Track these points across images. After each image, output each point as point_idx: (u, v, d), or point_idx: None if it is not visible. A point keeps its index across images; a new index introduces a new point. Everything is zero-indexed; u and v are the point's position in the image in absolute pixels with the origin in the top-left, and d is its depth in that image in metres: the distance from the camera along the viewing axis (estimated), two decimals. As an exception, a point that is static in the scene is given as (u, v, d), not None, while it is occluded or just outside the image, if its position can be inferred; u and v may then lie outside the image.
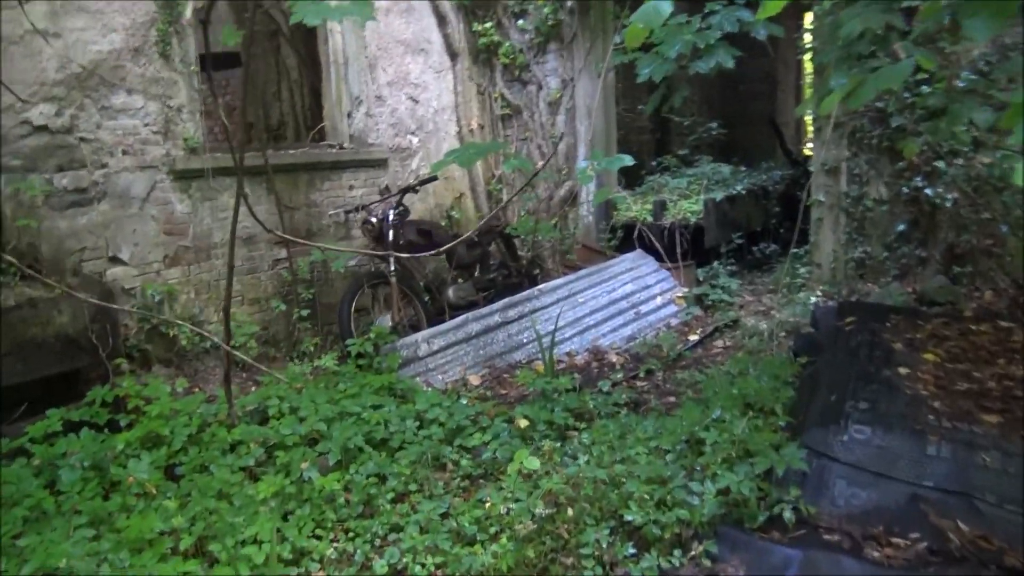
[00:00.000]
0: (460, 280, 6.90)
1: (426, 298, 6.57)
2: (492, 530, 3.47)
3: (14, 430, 4.21)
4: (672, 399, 5.38)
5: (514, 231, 7.23)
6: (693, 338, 6.40)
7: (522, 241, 7.86)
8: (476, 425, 4.64)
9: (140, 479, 3.74)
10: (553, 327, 6.34)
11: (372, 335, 5.74)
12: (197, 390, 5.28)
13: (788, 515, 3.08)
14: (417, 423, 4.60)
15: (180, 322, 5.19)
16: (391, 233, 6.19)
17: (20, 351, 4.32)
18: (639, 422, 4.58)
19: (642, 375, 5.79)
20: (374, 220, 6.19)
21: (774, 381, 4.60)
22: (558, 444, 4.47)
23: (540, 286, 6.66)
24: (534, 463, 3.78)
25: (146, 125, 5.34)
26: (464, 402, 4.95)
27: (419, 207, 7.52)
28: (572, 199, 7.87)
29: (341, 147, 6.81)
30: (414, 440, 4.43)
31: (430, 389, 5.55)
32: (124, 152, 5.22)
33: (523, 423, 4.69)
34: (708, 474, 3.41)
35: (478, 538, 3.44)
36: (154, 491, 3.74)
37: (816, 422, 3.60)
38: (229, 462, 4.08)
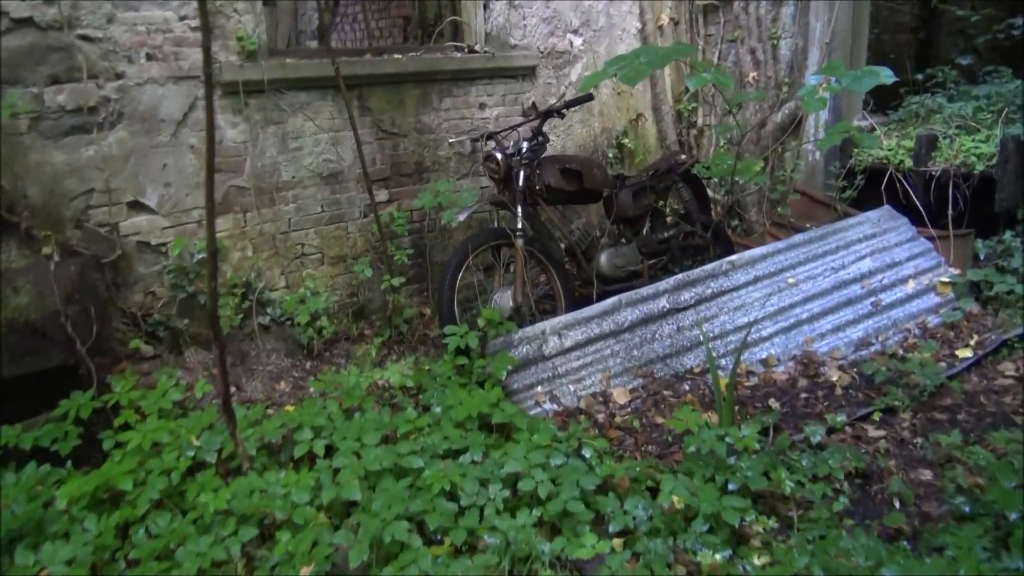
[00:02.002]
0: (621, 241, 5.08)
1: (568, 266, 4.83)
2: None
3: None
4: (927, 475, 3.38)
5: (705, 172, 5.23)
6: (965, 356, 4.23)
7: (716, 186, 5.84)
8: (597, 503, 2.99)
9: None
10: (747, 320, 4.46)
11: (481, 321, 4.14)
12: (235, 390, 3.97)
13: None
14: (505, 492, 3.01)
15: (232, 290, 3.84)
16: (521, 175, 4.47)
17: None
18: (866, 544, 2.72)
19: (877, 416, 3.79)
20: (499, 156, 4.49)
21: None
22: (726, 557, 2.76)
23: (733, 256, 4.70)
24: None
25: (182, 18, 3.91)
26: (587, 456, 3.27)
27: (578, 132, 5.70)
28: (793, 128, 5.70)
29: (470, 50, 5.09)
30: (492, 528, 2.84)
31: (548, 415, 3.91)
32: (149, 57, 3.84)
33: (675, 501, 2.99)
34: None
35: None
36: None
37: None
38: (202, 548, 2.70)
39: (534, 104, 5.39)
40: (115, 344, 3.87)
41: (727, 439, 3.31)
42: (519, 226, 4.44)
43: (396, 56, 4.68)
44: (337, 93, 4.39)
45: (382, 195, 4.79)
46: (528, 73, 5.35)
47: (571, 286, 4.73)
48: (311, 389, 3.81)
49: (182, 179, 4.01)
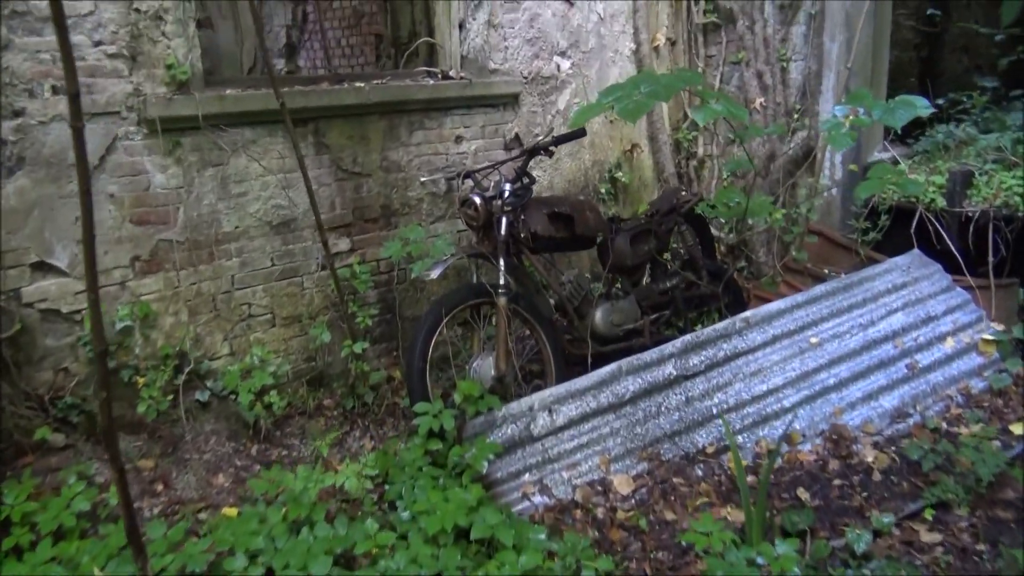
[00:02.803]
0: (618, 293, 4.48)
1: (558, 324, 4.23)
2: None
3: None
4: (1002, 601, 2.81)
5: (710, 211, 4.65)
6: (1020, 433, 3.67)
7: (718, 223, 5.28)
8: None
9: None
10: (766, 387, 3.90)
11: (458, 397, 3.54)
12: (161, 488, 3.33)
13: None
14: (486, 640, 2.40)
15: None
16: (504, 222, 3.87)
17: None
18: None
19: (929, 516, 3.22)
20: (478, 200, 3.88)
21: None
22: None
23: (747, 313, 4.12)
24: None
25: (97, 44, 3.30)
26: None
27: (567, 167, 5.12)
28: (807, 160, 5.14)
29: (444, 75, 4.50)
30: None
31: (538, 512, 3.32)
32: (55, 90, 3.21)
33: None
34: None
35: None
36: None
37: None
38: None
39: (517, 136, 4.82)
40: (16, 435, 3.22)
41: (758, 559, 2.72)
42: (502, 281, 3.84)
43: (358, 84, 4.08)
44: (295, 127, 3.79)
45: (343, 244, 4.17)
46: (510, 101, 4.76)
47: (562, 347, 4.13)
48: (252, 489, 3.17)
49: (99, 234, 3.37)
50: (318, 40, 8.89)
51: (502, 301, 3.83)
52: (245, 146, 3.75)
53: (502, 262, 3.86)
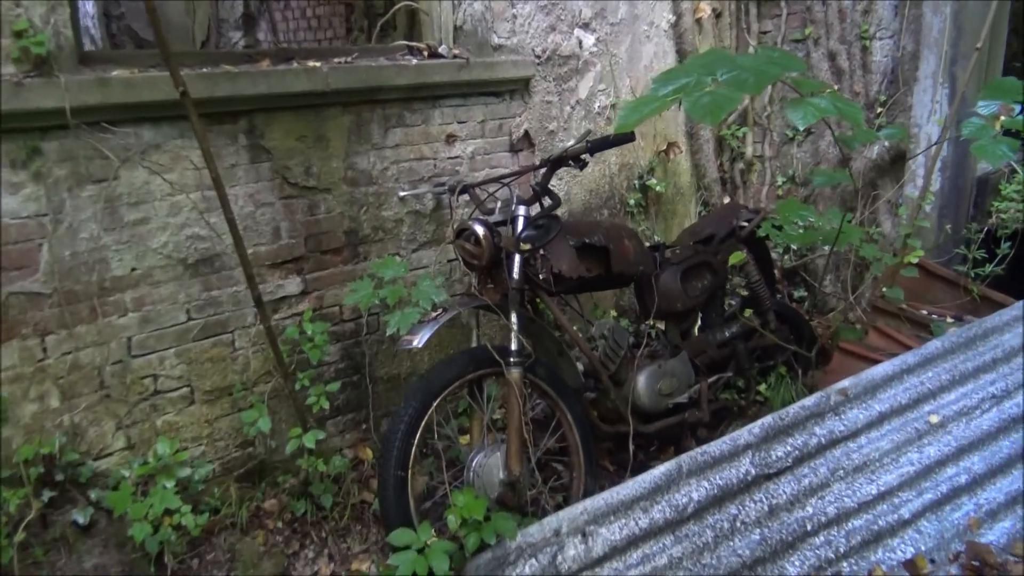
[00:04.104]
0: (661, 347, 3.38)
1: (588, 397, 3.14)
2: None
3: None
4: None
5: (776, 235, 3.53)
6: None
7: (783, 254, 4.21)
8: None
9: None
10: (876, 490, 2.88)
11: (452, 520, 2.46)
12: None
13: None
14: None
15: None
16: (516, 263, 2.76)
17: None
18: None
19: None
20: (480, 232, 2.75)
21: None
22: None
23: (845, 382, 3.05)
24: None
25: None
26: None
27: (588, 174, 4.02)
28: (894, 165, 4.05)
29: (432, 52, 3.35)
30: None
31: None
32: None
33: None
34: None
35: None
36: None
37: None
38: None
39: (527, 134, 3.70)
40: None
41: None
42: (514, 346, 2.73)
43: (312, 64, 2.92)
44: (221, 125, 2.65)
45: (291, 286, 3.04)
46: (518, 88, 3.62)
47: (593, 430, 3.03)
48: None
49: (-93, 290, 2.22)
50: (280, 10, 7.70)
51: (515, 374, 2.72)
52: (144, 153, 2.59)
53: (515, 318, 2.74)
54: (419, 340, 2.62)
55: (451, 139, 3.42)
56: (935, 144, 3.57)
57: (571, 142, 2.78)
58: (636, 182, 4.24)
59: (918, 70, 3.90)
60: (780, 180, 4.50)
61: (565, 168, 3.07)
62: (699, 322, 3.51)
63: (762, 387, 3.62)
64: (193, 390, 2.85)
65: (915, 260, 3.29)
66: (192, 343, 2.82)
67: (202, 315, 2.82)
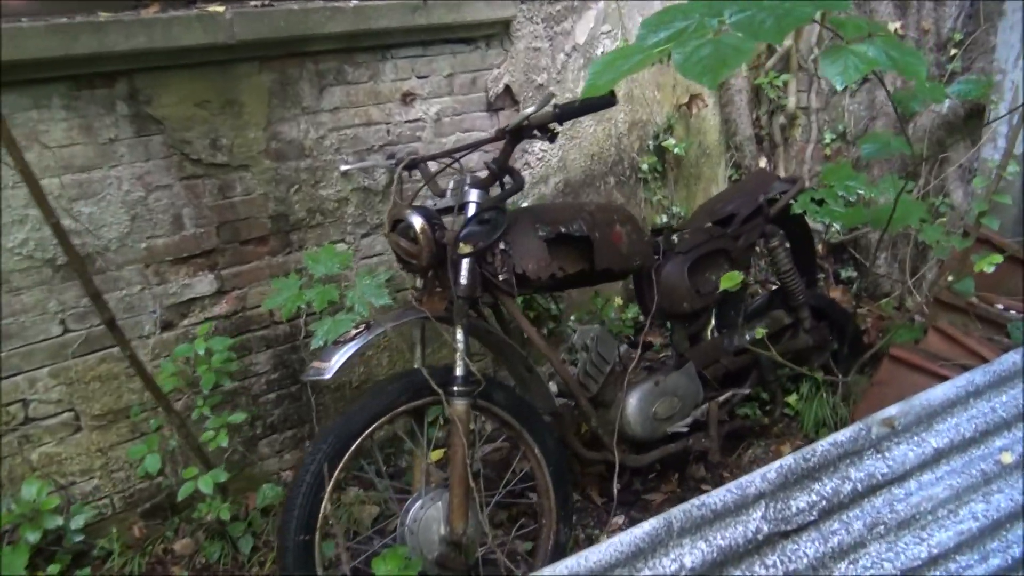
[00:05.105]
0: (664, 360, 2.77)
1: (567, 417, 2.57)
2: None
3: None
4: None
5: (816, 212, 2.84)
6: None
7: (827, 225, 3.52)
8: None
9: None
10: (926, 552, 2.25)
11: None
12: None
13: None
14: None
15: None
16: (464, 267, 2.16)
17: None
18: None
19: None
20: (418, 224, 2.15)
21: None
22: None
23: (892, 410, 2.39)
24: None
25: None
26: None
27: (588, 133, 3.35)
28: (969, 121, 3.29)
29: (380, -9, 2.72)
30: None
31: None
32: None
33: None
34: None
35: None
36: None
37: None
38: None
39: (508, 90, 3.08)
40: None
41: None
42: (459, 371, 2.15)
43: (213, 9, 2.32)
44: (74, 90, 2.10)
45: (202, 285, 2.50)
46: (496, 32, 2.96)
47: (565, 467, 2.45)
48: None
49: None
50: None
51: (459, 407, 2.14)
52: (-19, 127, 2.05)
53: (460, 335, 2.16)
54: (330, 369, 2.05)
55: (408, 98, 2.80)
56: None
57: (531, 108, 2.15)
58: (650, 143, 3.56)
59: (1004, 1, 3.11)
60: (828, 137, 3.76)
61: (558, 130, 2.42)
62: (713, 323, 2.87)
63: (792, 398, 2.98)
64: (78, 415, 2.36)
65: (991, 267, 2.57)
66: (72, 360, 2.31)
67: (83, 326, 2.31)
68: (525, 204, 3.14)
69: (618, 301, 3.40)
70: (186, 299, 2.48)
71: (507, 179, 2.29)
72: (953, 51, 3.32)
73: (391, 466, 2.82)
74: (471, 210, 2.22)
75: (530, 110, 2.16)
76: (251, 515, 2.56)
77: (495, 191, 2.31)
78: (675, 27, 2.01)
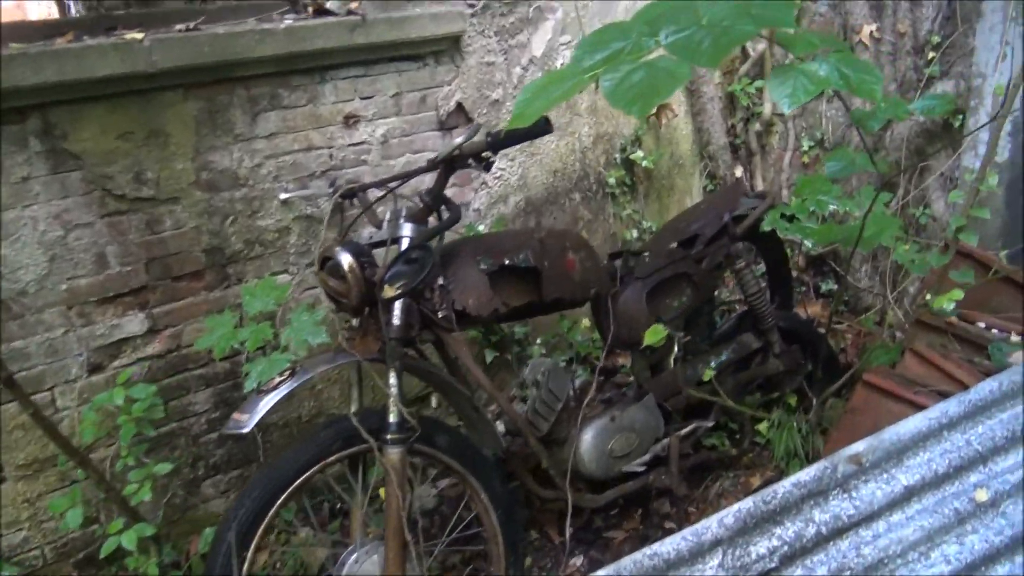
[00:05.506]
0: (624, 392, 2.64)
1: (518, 456, 2.44)
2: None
3: None
4: None
5: (786, 228, 2.70)
6: None
7: (804, 248, 3.38)
8: None
9: None
10: None
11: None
12: None
13: None
14: None
15: None
16: (397, 309, 2.04)
17: None
18: None
19: None
20: (346, 263, 2.03)
21: None
22: None
23: (859, 446, 2.26)
24: None
25: None
26: None
27: (550, 150, 3.21)
28: (949, 132, 3.14)
29: (317, 8, 2.59)
30: None
31: None
32: None
33: None
34: None
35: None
36: None
37: None
38: None
39: (460, 107, 2.94)
40: None
41: None
42: (392, 417, 2.03)
43: (131, 36, 2.20)
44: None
45: (133, 325, 2.38)
46: (446, 47, 2.83)
47: (515, 512, 2.33)
48: None
49: None
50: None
51: (393, 456, 2.02)
52: None
53: (393, 380, 2.03)
54: (248, 423, 1.93)
55: (352, 120, 2.67)
56: (1003, 104, 2.67)
57: (461, 138, 2.02)
58: (617, 156, 3.42)
59: (983, 1, 2.96)
60: (806, 144, 3.62)
61: (517, 148, 2.30)
62: (676, 351, 2.74)
63: (763, 426, 2.84)
64: (2, 466, 2.25)
65: (950, 305, 2.43)
66: (-9, 411, 2.20)
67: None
68: (482, 228, 3.03)
69: (586, 323, 3.27)
70: (115, 340, 2.36)
71: (443, 212, 2.17)
72: (931, 55, 3.17)
73: (343, 506, 2.71)
74: (404, 244, 2.10)
75: (460, 140, 2.03)
76: (192, 560, 2.46)
77: (439, 220, 2.18)
78: (613, 48, 1.89)
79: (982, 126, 2.83)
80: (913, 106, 2.19)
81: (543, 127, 2.02)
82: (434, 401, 2.92)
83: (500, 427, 2.38)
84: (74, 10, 3.14)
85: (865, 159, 2.37)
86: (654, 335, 2.21)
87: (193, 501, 2.60)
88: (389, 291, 1.96)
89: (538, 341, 3.22)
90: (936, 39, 3.17)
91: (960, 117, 3.03)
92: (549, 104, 1.81)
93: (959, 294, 2.44)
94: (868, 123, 2.18)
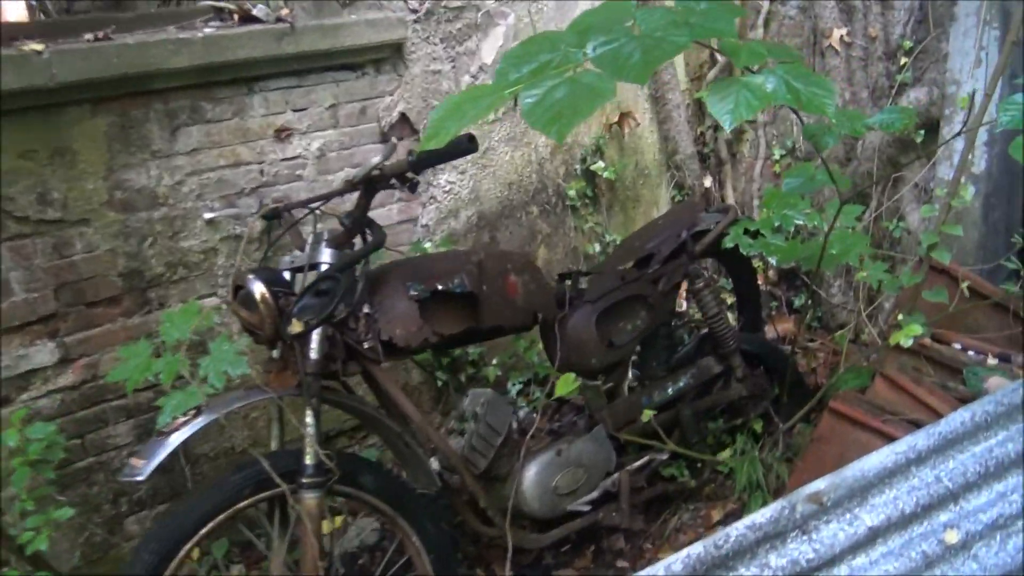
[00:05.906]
0: (575, 422, 2.49)
1: (457, 497, 2.29)
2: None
3: None
4: None
5: (748, 246, 2.55)
6: None
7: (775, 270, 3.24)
8: None
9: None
10: None
11: None
12: None
13: None
14: None
15: None
16: (314, 341, 1.89)
17: None
18: None
19: None
20: (258, 293, 1.87)
21: None
22: None
23: (821, 484, 2.10)
24: None
25: None
26: None
27: (504, 160, 3.06)
28: (924, 141, 2.99)
29: (243, 15, 2.43)
30: None
31: None
32: None
33: None
34: None
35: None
36: None
37: None
38: None
39: (404, 118, 2.78)
40: None
41: None
42: (308, 461, 1.87)
43: (30, 48, 2.04)
44: None
45: (42, 355, 2.22)
46: (387, 55, 2.68)
47: (451, 554, 2.17)
48: None
49: None
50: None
51: (309, 500, 1.87)
52: None
53: (310, 419, 1.88)
54: (145, 468, 1.78)
55: (284, 134, 2.52)
56: (968, 113, 2.52)
57: (378, 157, 1.87)
58: (578, 167, 3.27)
59: (956, 4, 2.80)
60: (778, 153, 3.47)
61: (467, 159, 2.13)
62: (630, 378, 2.58)
63: (726, 454, 2.68)
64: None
65: (909, 341, 2.28)
66: None
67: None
68: (429, 245, 2.87)
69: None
70: (23, 371, 2.20)
71: (367, 235, 2.01)
72: (903, 60, 3.02)
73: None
74: (324, 265, 1.95)
75: (377, 159, 1.88)
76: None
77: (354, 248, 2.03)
78: (541, 60, 1.74)
79: (954, 136, 2.68)
80: (872, 120, 2.03)
81: (466, 146, 1.86)
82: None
83: (435, 464, 2.22)
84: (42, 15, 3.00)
85: (823, 176, 2.21)
86: (565, 386, 2.02)
87: (115, 540, 2.43)
88: (296, 326, 1.80)
89: (494, 362, 3.06)
90: (908, 44, 3.02)
91: (921, 132, 2.88)
92: (465, 123, 1.66)
93: (917, 330, 2.28)
94: (822, 139, 2.02)
